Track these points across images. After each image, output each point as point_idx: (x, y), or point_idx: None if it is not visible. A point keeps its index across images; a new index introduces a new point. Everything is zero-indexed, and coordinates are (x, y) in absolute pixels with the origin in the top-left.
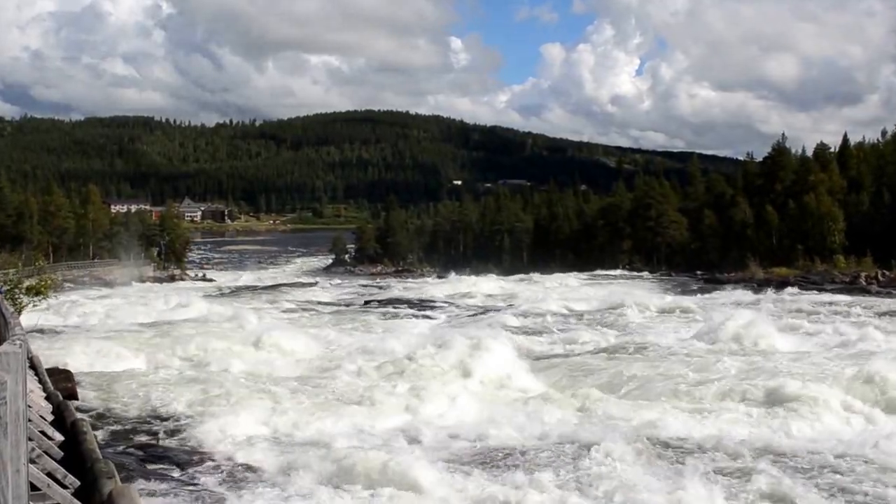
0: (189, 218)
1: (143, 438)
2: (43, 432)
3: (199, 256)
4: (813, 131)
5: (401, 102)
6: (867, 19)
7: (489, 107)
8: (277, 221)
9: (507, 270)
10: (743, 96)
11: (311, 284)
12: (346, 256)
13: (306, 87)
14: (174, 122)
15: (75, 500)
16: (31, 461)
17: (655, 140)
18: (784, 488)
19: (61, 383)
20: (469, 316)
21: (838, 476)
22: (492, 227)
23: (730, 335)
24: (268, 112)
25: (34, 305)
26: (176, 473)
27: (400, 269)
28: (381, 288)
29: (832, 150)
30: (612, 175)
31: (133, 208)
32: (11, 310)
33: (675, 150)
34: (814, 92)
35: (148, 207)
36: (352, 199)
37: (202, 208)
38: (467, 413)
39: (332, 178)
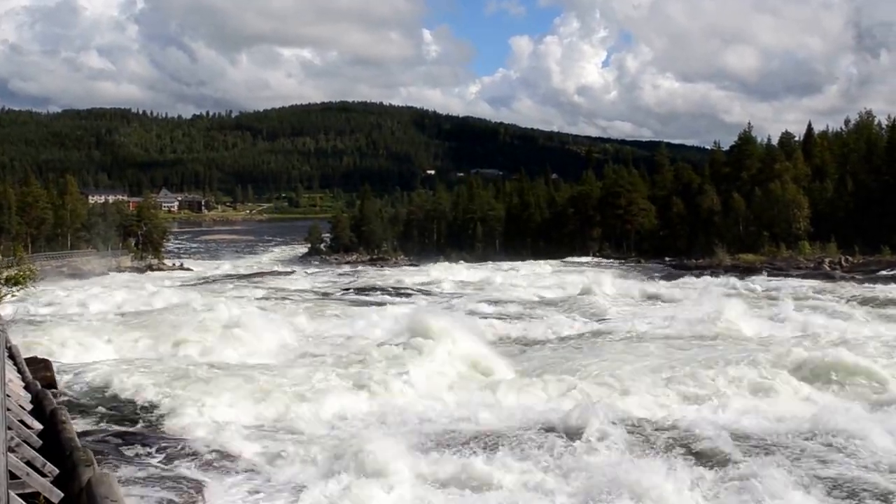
0: (166, 208)
1: (121, 426)
2: (22, 421)
3: (177, 246)
4: (774, 121)
5: (374, 94)
6: (825, 12)
7: (460, 98)
8: (254, 211)
9: (479, 258)
10: (706, 87)
11: (287, 273)
12: (322, 245)
13: (281, 79)
14: (151, 113)
15: (54, 488)
16: (10, 450)
17: (623, 129)
18: (748, 468)
19: (40, 372)
20: (442, 302)
21: (799, 456)
22: (464, 216)
23: (698, 321)
24: (243, 104)
25: (13, 296)
26: (154, 460)
27: (374, 257)
28: (356, 276)
29: (797, 138)
30: (581, 164)
31: (110, 199)
32: None
33: (643, 140)
34: (774, 83)
35: (125, 198)
36: (327, 188)
37: (179, 198)
38: (439, 398)
39: (307, 167)
